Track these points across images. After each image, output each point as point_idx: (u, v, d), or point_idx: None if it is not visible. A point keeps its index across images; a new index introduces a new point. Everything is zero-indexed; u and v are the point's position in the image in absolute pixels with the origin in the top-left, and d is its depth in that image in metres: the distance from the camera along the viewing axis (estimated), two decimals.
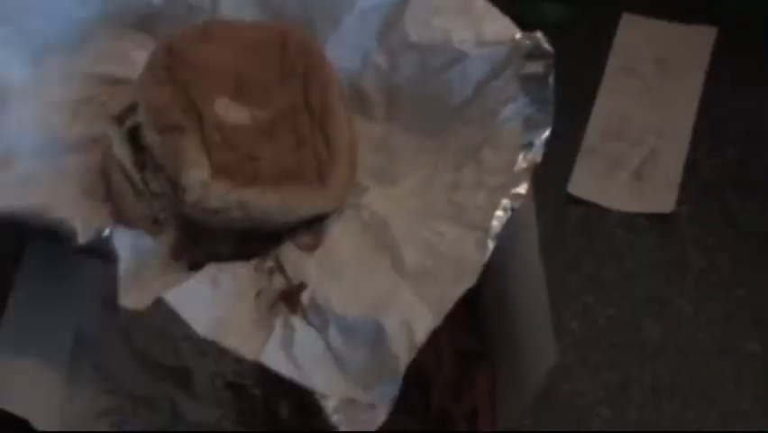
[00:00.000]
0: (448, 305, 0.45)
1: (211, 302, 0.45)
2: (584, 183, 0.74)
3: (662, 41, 0.82)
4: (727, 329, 0.67)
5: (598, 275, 0.70)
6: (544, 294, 0.51)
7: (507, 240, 0.58)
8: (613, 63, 0.81)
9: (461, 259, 0.47)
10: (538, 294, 0.51)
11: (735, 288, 0.69)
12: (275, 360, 0.44)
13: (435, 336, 0.58)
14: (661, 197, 0.73)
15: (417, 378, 0.57)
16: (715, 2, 0.82)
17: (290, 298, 0.47)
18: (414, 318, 0.45)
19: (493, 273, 0.60)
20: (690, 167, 0.75)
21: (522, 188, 0.48)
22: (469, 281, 0.45)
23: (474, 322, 0.61)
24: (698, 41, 0.81)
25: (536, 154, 0.49)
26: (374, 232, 0.49)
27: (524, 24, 0.83)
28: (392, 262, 0.47)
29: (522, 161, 0.49)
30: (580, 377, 0.65)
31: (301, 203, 0.48)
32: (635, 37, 0.82)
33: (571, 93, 0.80)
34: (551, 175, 0.74)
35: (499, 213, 0.47)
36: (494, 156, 0.50)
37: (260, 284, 0.48)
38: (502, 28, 0.55)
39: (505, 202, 0.48)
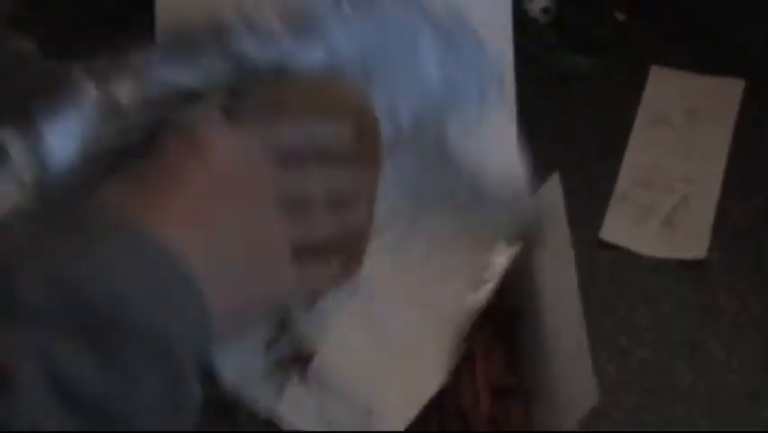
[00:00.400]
0: None
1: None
2: (616, 229, 0.76)
3: (692, 92, 0.84)
4: (758, 372, 0.68)
5: (631, 319, 0.72)
6: (584, 333, 0.52)
7: (546, 281, 0.60)
8: (643, 114, 0.83)
9: None
10: (578, 332, 0.52)
11: (766, 331, 0.70)
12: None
13: (472, 372, 0.59)
14: (692, 243, 0.75)
15: (456, 413, 0.58)
16: (742, 54, 0.84)
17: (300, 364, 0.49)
18: None
19: (532, 312, 0.62)
20: (721, 214, 0.76)
21: None
22: None
23: (512, 359, 0.63)
24: (726, 92, 0.83)
25: None
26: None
27: (554, 75, 0.86)
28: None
29: None
30: (614, 419, 0.66)
31: None
32: (665, 89, 0.84)
33: (602, 142, 0.82)
34: (583, 221, 0.76)
35: None
36: None
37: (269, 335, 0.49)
38: None
39: None
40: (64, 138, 0.38)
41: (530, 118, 0.78)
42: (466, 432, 0.56)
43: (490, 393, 0.58)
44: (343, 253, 0.40)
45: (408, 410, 0.51)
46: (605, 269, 0.74)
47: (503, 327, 0.63)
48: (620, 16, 0.87)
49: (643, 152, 0.80)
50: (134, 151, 0.38)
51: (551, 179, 0.61)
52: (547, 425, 0.57)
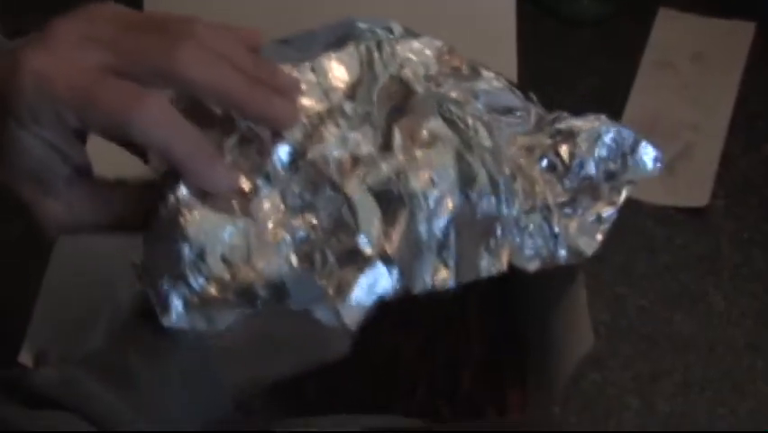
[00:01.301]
0: None
1: None
2: None
3: (700, 35, 0.81)
4: (760, 325, 0.67)
5: (630, 267, 0.70)
6: (581, 278, 0.51)
7: None
8: (648, 58, 0.80)
9: None
10: (575, 278, 0.51)
11: None
12: None
13: (465, 317, 0.58)
14: (695, 191, 0.73)
15: (447, 359, 0.57)
16: None
17: None
18: None
19: None
20: (726, 162, 0.74)
21: None
22: None
23: (505, 308, 0.61)
24: (736, 36, 0.80)
25: None
26: None
27: (561, 20, 0.83)
28: None
29: None
30: (610, 367, 0.65)
31: None
32: (672, 32, 0.82)
33: (606, 86, 0.80)
34: None
35: None
36: None
37: None
38: None
39: None
40: None
41: (535, 63, 0.76)
42: (457, 382, 0.55)
43: (483, 341, 0.57)
44: None
45: None
46: None
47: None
48: None
49: (647, 97, 0.78)
50: None
51: None
52: (541, 371, 0.56)
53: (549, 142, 0.41)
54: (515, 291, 0.63)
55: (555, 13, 0.85)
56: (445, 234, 0.37)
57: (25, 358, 0.47)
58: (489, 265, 0.38)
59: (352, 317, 0.38)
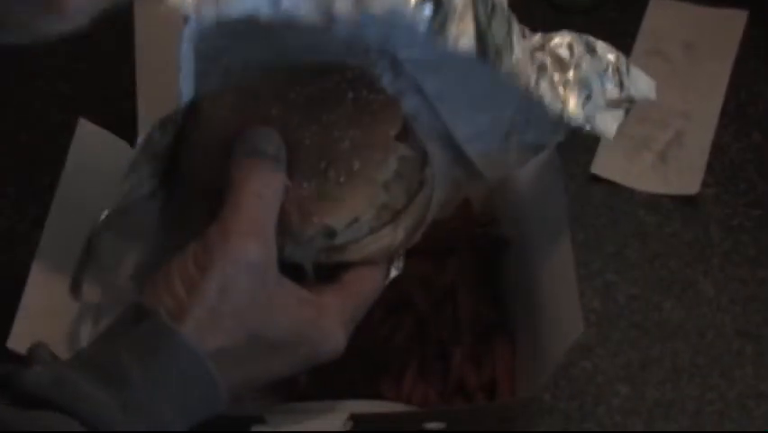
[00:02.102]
0: None
1: None
2: (608, 163, 0.74)
3: (691, 24, 0.81)
4: (749, 311, 0.67)
5: (620, 255, 0.70)
6: (571, 263, 0.51)
7: (534, 211, 0.58)
8: (640, 45, 0.81)
9: None
10: (565, 263, 0.51)
11: (758, 270, 0.69)
12: None
13: (455, 305, 0.58)
14: (686, 178, 0.73)
15: (437, 348, 0.57)
16: None
17: None
18: None
19: (518, 244, 0.61)
20: (717, 149, 0.75)
21: None
22: None
23: (495, 294, 0.62)
24: (727, 25, 0.81)
25: None
26: None
27: (554, 6, 0.83)
28: None
29: None
30: (600, 355, 0.66)
31: None
32: (664, 20, 0.82)
33: None
34: (575, 155, 0.75)
35: None
36: None
37: None
38: None
39: None
40: None
41: None
42: (447, 370, 0.55)
43: (473, 327, 0.58)
44: None
45: None
46: (596, 203, 0.73)
47: (488, 258, 0.62)
48: None
49: None
50: None
51: None
52: (531, 357, 0.56)
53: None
54: (505, 278, 0.63)
55: (549, 0, 0.85)
56: None
57: (14, 343, 0.47)
58: None
59: None
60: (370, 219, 0.48)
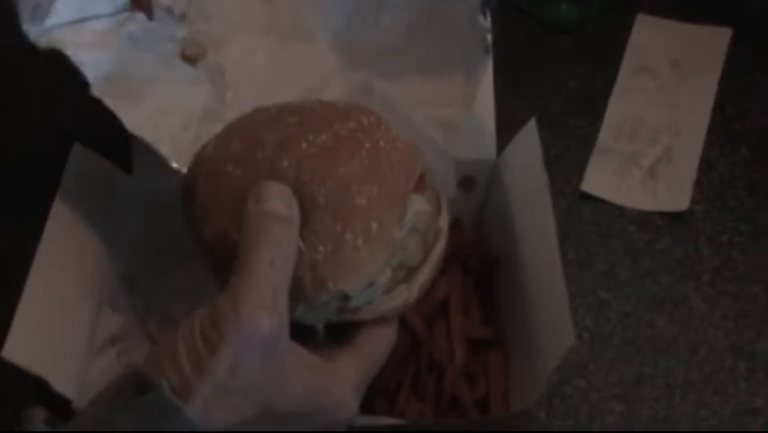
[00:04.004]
0: None
1: None
2: (598, 181, 0.74)
3: (677, 41, 0.82)
4: (741, 327, 0.67)
5: (612, 272, 0.70)
6: (561, 277, 0.51)
7: (524, 228, 0.58)
8: (627, 63, 0.81)
9: None
10: (554, 277, 0.51)
11: (748, 285, 0.69)
12: None
13: (447, 323, 0.58)
14: (675, 195, 0.73)
15: (432, 366, 0.57)
16: (729, 3, 0.82)
17: None
18: None
19: (509, 261, 0.60)
20: (705, 166, 0.75)
21: None
22: None
23: (487, 311, 0.61)
24: (712, 42, 0.81)
25: None
26: None
27: (541, 24, 0.84)
28: None
29: None
30: (593, 372, 0.65)
31: None
32: (650, 38, 0.82)
33: (585, 92, 0.81)
34: (564, 172, 0.75)
35: None
36: None
37: None
38: None
39: None
40: None
41: (514, 68, 0.77)
42: (441, 388, 0.55)
43: (465, 345, 0.57)
44: None
45: None
46: (585, 221, 0.73)
47: (480, 277, 0.62)
48: None
49: (626, 102, 0.79)
50: None
51: (527, 126, 0.59)
52: (524, 373, 0.56)
53: None
54: (496, 296, 0.63)
55: (536, 18, 0.85)
56: None
57: (9, 354, 0.47)
58: None
59: None
60: (387, 281, 0.46)
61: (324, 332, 0.47)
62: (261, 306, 0.40)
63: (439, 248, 0.49)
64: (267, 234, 0.42)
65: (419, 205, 0.47)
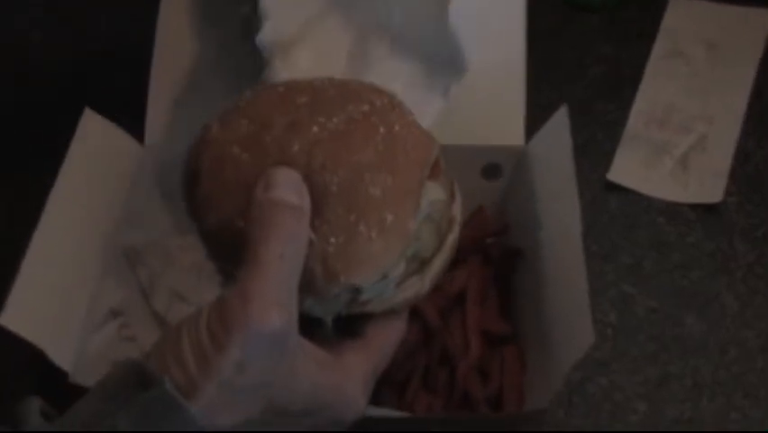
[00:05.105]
0: None
1: None
2: (626, 170, 0.71)
3: (713, 24, 0.78)
4: None
5: (638, 266, 0.67)
6: (583, 272, 0.48)
7: (548, 219, 0.55)
8: (659, 46, 0.78)
9: None
10: (576, 272, 0.48)
11: None
12: None
13: (463, 315, 0.56)
14: (708, 186, 0.70)
15: (444, 358, 0.54)
16: None
17: None
18: None
19: (530, 253, 0.58)
20: (740, 156, 0.72)
21: None
22: None
23: (505, 305, 0.59)
24: (751, 25, 0.77)
25: None
26: None
27: (571, 6, 0.81)
28: None
29: None
30: (616, 371, 0.62)
31: None
32: (685, 19, 0.79)
33: (615, 76, 0.77)
34: (591, 161, 0.72)
35: None
36: None
37: None
38: None
39: None
40: None
41: (543, 51, 0.73)
42: (453, 381, 0.52)
43: (481, 339, 0.55)
44: None
45: None
46: (612, 212, 0.70)
47: (499, 268, 0.59)
48: None
49: (658, 88, 0.75)
50: None
51: (558, 113, 0.56)
52: (540, 371, 0.53)
53: None
54: (515, 289, 0.60)
55: (566, 0, 0.82)
56: None
57: (6, 320, 0.46)
58: None
59: None
60: (399, 274, 0.44)
61: (332, 324, 0.45)
62: (271, 302, 0.38)
63: (452, 237, 0.46)
64: (277, 226, 0.40)
65: (434, 193, 0.44)
